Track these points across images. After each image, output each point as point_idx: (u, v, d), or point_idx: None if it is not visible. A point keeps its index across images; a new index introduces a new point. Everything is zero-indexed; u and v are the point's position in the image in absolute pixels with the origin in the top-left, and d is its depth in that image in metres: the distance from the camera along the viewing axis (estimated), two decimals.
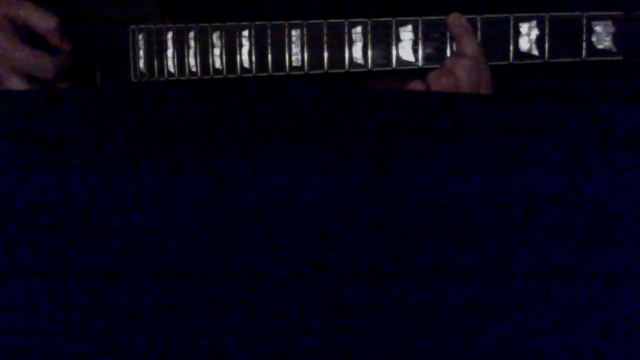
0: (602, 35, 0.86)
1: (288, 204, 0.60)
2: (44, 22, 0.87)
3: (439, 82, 0.85)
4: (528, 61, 0.88)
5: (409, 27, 0.89)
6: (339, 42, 0.89)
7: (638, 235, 0.60)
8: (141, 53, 0.93)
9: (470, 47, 0.86)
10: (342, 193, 0.60)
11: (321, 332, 0.60)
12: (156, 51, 0.92)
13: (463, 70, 0.85)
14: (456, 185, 0.60)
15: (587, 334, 0.60)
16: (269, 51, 0.90)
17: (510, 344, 0.60)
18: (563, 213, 0.60)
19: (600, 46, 0.86)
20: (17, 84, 0.86)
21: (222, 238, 0.60)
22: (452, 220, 0.60)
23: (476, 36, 0.87)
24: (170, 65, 0.92)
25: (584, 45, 0.86)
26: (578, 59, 0.87)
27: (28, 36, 0.88)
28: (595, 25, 0.86)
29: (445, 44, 0.89)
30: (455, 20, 0.86)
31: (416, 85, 0.86)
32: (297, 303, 0.60)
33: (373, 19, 0.89)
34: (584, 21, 0.86)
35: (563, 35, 0.87)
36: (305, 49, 0.89)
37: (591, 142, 0.61)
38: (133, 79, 0.93)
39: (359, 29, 0.89)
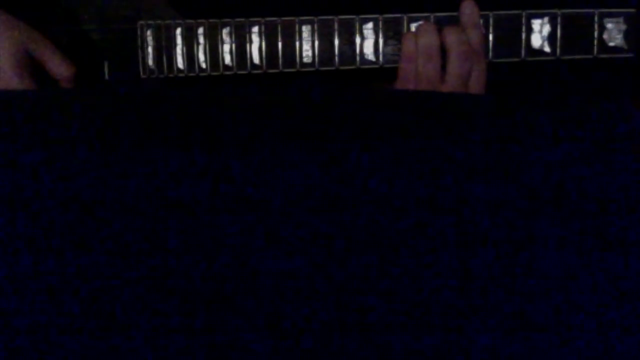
0: (614, 33, 0.86)
1: (286, 203, 0.60)
2: (62, 69, 0.89)
3: (452, 33, 0.84)
4: (540, 58, 0.88)
5: (421, 23, 0.88)
6: (350, 38, 0.89)
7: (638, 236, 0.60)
8: (150, 49, 0.92)
9: (474, 38, 0.85)
10: (341, 193, 0.60)
11: (321, 332, 0.60)
12: (165, 47, 0.92)
13: (460, 51, 0.84)
14: (456, 185, 0.60)
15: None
16: (280, 47, 0.89)
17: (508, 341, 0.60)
18: (564, 215, 0.60)
19: (611, 43, 0.86)
20: None
21: (221, 238, 0.60)
22: (452, 220, 0.60)
23: (483, 31, 0.86)
24: (180, 61, 0.92)
25: (596, 42, 0.86)
26: (589, 56, 0.87)
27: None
28: (607, 23, 0.86)
29: None
30: (468, 8, 0.86)
31: (428, 27, 0.85)
32: (296, 302, 0.59)
33: (384, 15, 0.88)
34: (596, 18, 0.86)
35: (575, 32, 0.87)
36: (316, 45, 0.89)
37: (593, 142, 0.61)
38: (142, 75, 0.92)
39: (370, 25, 0.89)
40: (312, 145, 0.61)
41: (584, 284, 0.59)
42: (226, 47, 0.90)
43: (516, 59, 0.88)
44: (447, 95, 0.80)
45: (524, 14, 0.87)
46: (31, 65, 0.88)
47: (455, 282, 0.59)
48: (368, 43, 0.89)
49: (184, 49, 0.91)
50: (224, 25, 0.90)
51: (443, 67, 0.85)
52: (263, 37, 0.89)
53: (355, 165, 0.60)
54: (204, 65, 0.91)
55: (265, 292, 0.60)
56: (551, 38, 0.87)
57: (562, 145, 0.61)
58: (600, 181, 0.60)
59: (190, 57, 0.91)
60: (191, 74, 0.91)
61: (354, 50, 0.89)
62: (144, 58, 0.93)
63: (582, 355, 0.59)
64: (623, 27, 0.86)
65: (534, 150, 0.61)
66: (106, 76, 0.94)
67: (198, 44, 0.91)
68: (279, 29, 0.89)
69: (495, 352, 0.59)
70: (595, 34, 0.86)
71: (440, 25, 0.87)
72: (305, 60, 0.89)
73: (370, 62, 0.89)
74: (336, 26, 0.89)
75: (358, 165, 0.60)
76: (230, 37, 0.90)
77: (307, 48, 0.89)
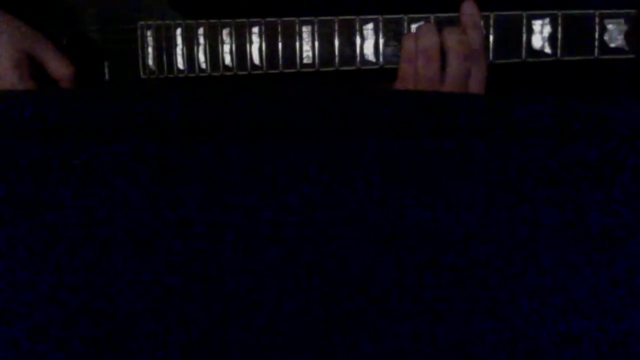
0: (615, 34, 0.86)
1: (288, 205, 0.60)
2: (61, 69, 0.89)
3: (452, 34, 0.84)
4: (540, 59, 0.87)
5: (422, 24, 0.88)
6: (350, 39, 0.88)
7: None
8: (150, 49, 0.92)
9: (474, 38, 0.85)
10: (342, 193, 0.60)
11: (320, 335, 0.60)
12: (165, 47, 0.91)
13: (459, 52, 0.84)
14: (453, 184, 0.60)
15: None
16: (280, 48, 0.89)
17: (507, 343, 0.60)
18: (564, 215, 0.60)
19: (612, 44, 0.86)
20: None
21: (221, 238, 0.60)
22: (451, 219, 0.60)
23: (483, 32, 0.86)
24: (180, 62, 0.91)
25: (596, 43, 0.86)
26: (590, 57, 0.87)
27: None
28: (608, 24, 0.86)
29: None
30: (469, 8, 0.86)
31: (428, 27, 0.85)
32: (295, 304, 0.60)
33: (385, 16, 0.88)
34: (597, 19, 0.86)
35: (575, 33, 0.86)
36: (316, 46, 0.88)
37: (593, 140, 0.61)
38: (142, 76, 0.92)
39: (370, 25, 0.88)
40: (311, 143, 0.61)
41: (584, 285, 0.59)
42: (226, 48, 0.90)
43: (516, 60, 0.88)
44: (447, 95, 0.79)
45: (524, 14, 0.87)
46: (31, 65, 0.88)
47: (454, 279, 0.59)
48: (368, 44, 0.88)
49: (184, 49, 0.91)
50: (224, 26, 0.90)
51: (443, 67, 0.85)
52: (263, 38, 0.89)
53: (354, 163, 0.60)
54: (204, 66, 0.91)
55: (267, 290, 0.60)
56: (552, 39, 0.86)
57: (562, 145, 0.61)
58: (601, 180, 0.60)
59: (190, 57, 0.91)
60: (191, 75, 0.91)
61: (354, 50, 0.88)
62: (144, 58, 0.92)
63: (583, 355, 0.60)
64: (624, 28, 0.85)
65: (533, 150, 0.60)
66: (106, 76, 0.94)
67: (198, 44, 0.90)
68: (279, 29, 0.89)
69: (495, 351, 0.60)
70: (596, 35, 0.86)
71: (440, 25, 0.86)
72: (305, 60, 0.89)
73: (371, 62, 0.88)
74: (336, 26, 0.88)
75: (357, 163, 0.60)
76: (231, 38, 0.90)
77: (307, 48, 0.89)
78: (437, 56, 0.84)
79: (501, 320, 0.60)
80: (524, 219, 0.60)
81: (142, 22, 0.92)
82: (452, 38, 0.84)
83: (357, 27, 0.88)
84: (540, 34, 0.87)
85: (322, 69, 0.89)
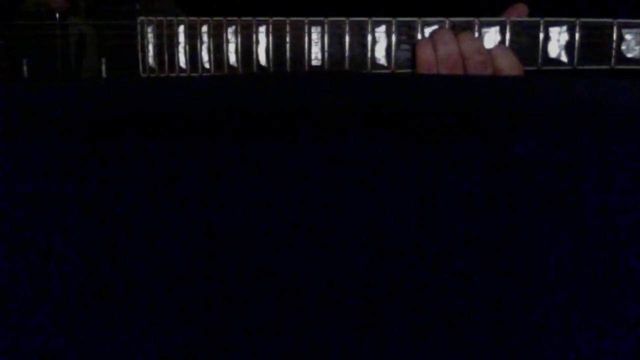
0: (632, 44, 0.85)
1: (289, 199, 0.58)
2: None
3: (468, 41, 0.83)
4: (556, 67, 0.86)
5: (436, 28, 0.86)
6: (362, 41, 0.86)
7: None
8: (150, 47, 0.89)
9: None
10: (342, 188, 0.58)
11: (319, 331, 0.59)
12: (167, 45, 0.88)
13: (477, 61, 0.83)
14: (457, 184, 0.58)
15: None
16: (287, 48, 0.86)
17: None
18: (567, 216, 0.58)
19: (629, 54, 0.85)
20: None
21: (220, 234, 0.59)
22: (452, 220, 0.58)
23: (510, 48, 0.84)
24: (182, 60, 0.88)
25: (613, 52, 0.85)
26: (607, 67, 0.85)
27: None
28: (626, 33, 0.85)
29: None
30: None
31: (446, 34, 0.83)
32: (294, 299, 0.59)
33: (398, 18, 0.86)
34: (615, 28, 0.84)
35: (592, 42, 0.85)
36: (325, 48, 0.86)
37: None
38: (142, 74, 0.89)
39: (382, 28, 0.86)
40: (313, 140, 0.59)
41: (584, 285, 0.58)
42: (231, 47, 0.87)
43: (532, 68, 0.86)
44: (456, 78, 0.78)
45: (542, 21, 0.85)
46: None
47: (455, 281, 0.59)
48: (380, 46, 0.86)
49: (187, 47, 0.88)
50: (230, 24, 0.87)
51: None
52: (270, 37, 0.86)
53: (355, 161, 0.58)
54: (207, 65, 0.88)
55: (267, 291, 0.59)
56: (569, 47, 0.85)
57: (564, 145, 0.59)
58: (601, 180, 0.58)
59: (193, 56, 0.88)
60: (194, 74, 0.88)
61: (365, 53, 0.86)
62: (144, 56, 0.89)
63: (582, 356, 0.59)
64: None
65: (535, 150, 0.58)
66: (103, 74, 0.91)
67: (202, 42, 0.88)
68: (287, 29, 0.86)
69: (495, 352, 0.59)
70: (614, 44, 0.85)
71: (454, 31, 0.85)
72: (314, 62, 0.86)
73: (382, 66, 0.86)
74: (347, 28, 0.86)
75: (358, 161, 0.58)
76: (236, 37, 0.87)
77: (316, 50, 0.86)
78: (460, 63, 0.82)
79: (499, 325, 0.59)
80: (527, 219, 0.58)
81: (142, 18, 0.89)
82: (468, 45, 0.83)
83: (369, 28, 0.86)
84: (557, 42, 0.85)
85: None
